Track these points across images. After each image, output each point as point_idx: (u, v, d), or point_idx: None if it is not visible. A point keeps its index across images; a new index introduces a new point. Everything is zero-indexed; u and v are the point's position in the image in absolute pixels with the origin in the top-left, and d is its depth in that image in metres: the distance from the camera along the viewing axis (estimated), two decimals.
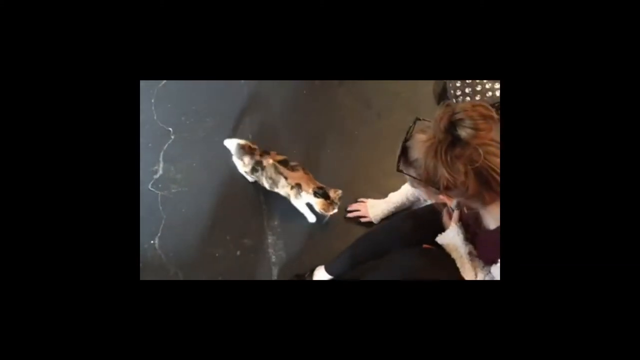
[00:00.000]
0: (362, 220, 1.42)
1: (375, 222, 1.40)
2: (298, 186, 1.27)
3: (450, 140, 0.71)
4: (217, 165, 1.59)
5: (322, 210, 1.27)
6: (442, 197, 0.81)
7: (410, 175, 0.81)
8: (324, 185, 1.27)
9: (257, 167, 1.32)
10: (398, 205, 1.37)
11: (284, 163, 1.31)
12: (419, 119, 0.82)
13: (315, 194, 1.24)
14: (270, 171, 1.30)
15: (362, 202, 1.44)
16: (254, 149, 1.33)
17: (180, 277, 1.39)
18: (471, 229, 0.98)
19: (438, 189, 0.76)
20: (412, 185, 0.87)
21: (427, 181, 0.77)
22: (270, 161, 1.30)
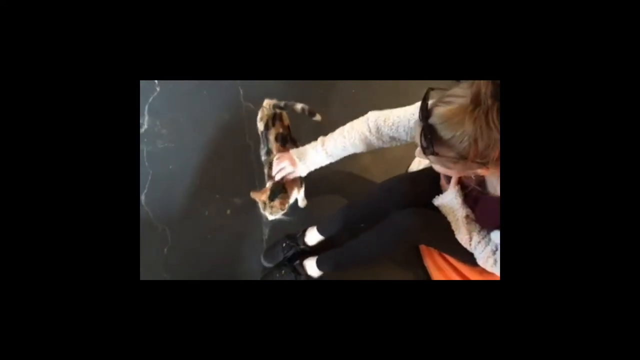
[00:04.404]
0: (290, 176, 1.15)
1: (303, 175, 1.16)
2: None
3: (498, 105, 0.66)
4: (205, 120, 1.52)
5: (255, 197, 1.14)
6: (483, 171, 0.75)
7: (448, 157, 0.73)
8: (285, 186, 1.14)
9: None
10: (335, 158, 1.12)
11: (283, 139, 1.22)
12: (432, 89, 0.75)
13: (273, 192, 1.12)
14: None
15: (283, 156, 1.13)
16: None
17: (168, 235, 1.36)
18: (473, 193, 0.95)
19: (485, 163, 0.71)
20: (445, 166, 0.78)
21: (476, 156, 0.70)
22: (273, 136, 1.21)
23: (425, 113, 0.74)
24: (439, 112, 0.72)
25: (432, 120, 0.73)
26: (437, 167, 0.82)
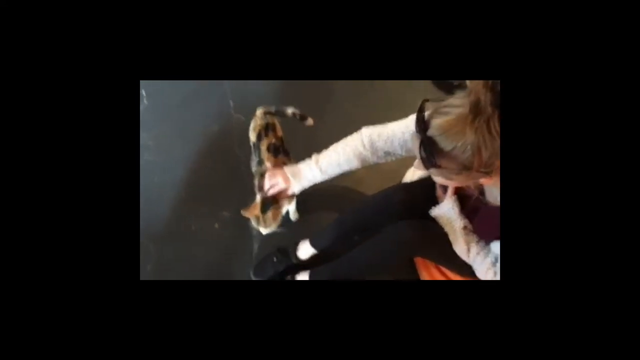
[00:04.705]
0: (284, 194, 1.12)
1: (297, 192, 1.13)
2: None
3: (499, 112, 0.65)
4: (193, 132, 1.49)
5: (247, 214, 1.11)
6: (486, 180, 0.74)
7: (450, 168, 0.71)
8: (278, 199, 1.11)
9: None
10: (330, 176, 1.09)
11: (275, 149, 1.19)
12: (427, 101, 0.74)
13: (264, 204, 1.09)
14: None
15: (276, 173, 1.10)
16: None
17: (152, 251, 1.29)
18: (473, 203, 0.93)
19: (489, 172, 0.69)
20: (447, 177, 0.76)
21: (480, 166, 0.69)
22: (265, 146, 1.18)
23: (422, 125, 0.72)
24: (437, 123, 0.70)
25: (431, 132, 0.71)
26: (438, 179, 0.80)
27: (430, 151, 0.71)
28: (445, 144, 0.69)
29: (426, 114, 0.73)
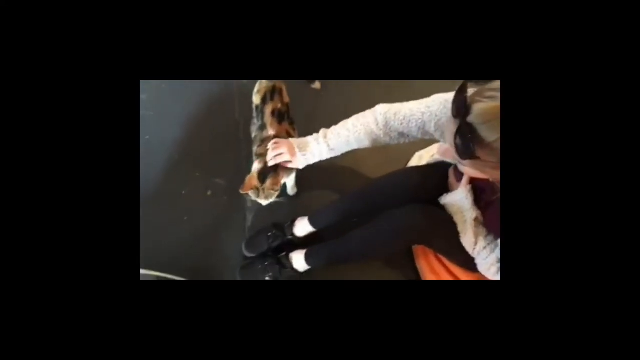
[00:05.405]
0: (285, 164, 1.03)
1: (301, 167, 1.06)
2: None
3: None
4: (191, 90, 1.38)
5: (245, 190, 1.03)
6: None
7: (488, 161, 0.64)
8: (279, 173, 1.04)
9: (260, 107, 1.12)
10: (337, 153, 1.03)
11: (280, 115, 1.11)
12: (467, 82, 0.67)
13: (261, 173, 1.03)
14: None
15: (281, 143, 1.02)
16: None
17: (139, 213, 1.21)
18: (485, 197, 0.88)
19: None
20: (480, 170, 0.69)
21: None
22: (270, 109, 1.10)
23: (462, 109, 0.65)
24: (481, 109, 0.63)
25: (472, 118, 0.64)
26: (468, 170, 0.73)
27: (468, 140, 0.64)
28: (488, 133, 0.62)
29: (467, 97, 0.65)
